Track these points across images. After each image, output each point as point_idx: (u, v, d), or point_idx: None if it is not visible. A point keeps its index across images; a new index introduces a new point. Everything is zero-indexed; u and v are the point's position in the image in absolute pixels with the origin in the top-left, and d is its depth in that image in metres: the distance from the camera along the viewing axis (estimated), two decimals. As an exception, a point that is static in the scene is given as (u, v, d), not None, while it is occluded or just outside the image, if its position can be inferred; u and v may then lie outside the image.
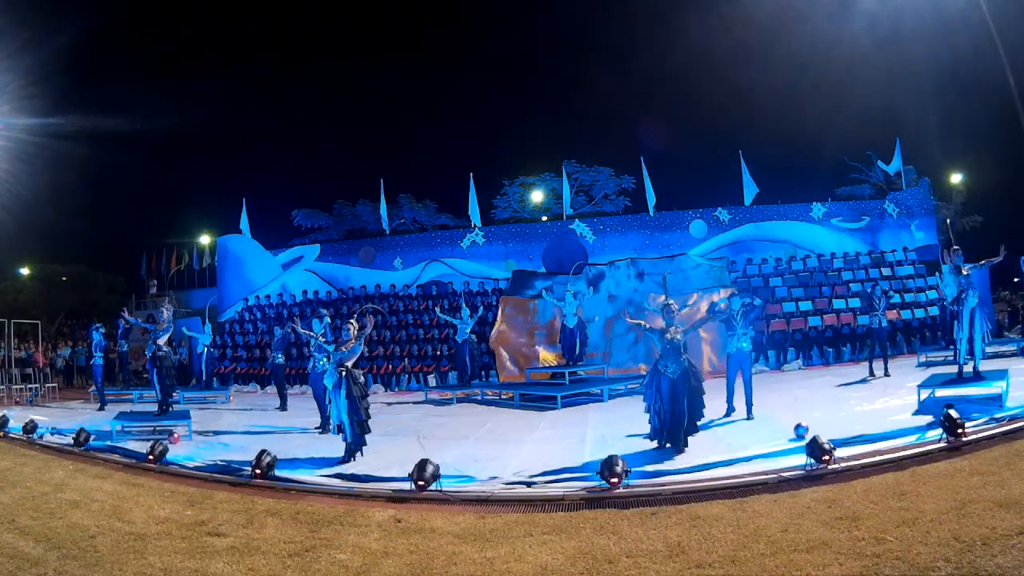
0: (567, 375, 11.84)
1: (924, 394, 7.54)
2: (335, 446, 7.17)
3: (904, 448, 5.51)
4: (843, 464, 5.12)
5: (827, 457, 5.05)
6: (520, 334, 14.54)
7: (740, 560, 3.58)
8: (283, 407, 11.78)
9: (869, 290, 12.14)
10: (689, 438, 6.48)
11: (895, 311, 14.62)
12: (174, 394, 10.66)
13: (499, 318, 14.77)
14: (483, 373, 14.33)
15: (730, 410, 8.20)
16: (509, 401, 11.76)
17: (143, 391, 13.29)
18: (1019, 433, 5.62)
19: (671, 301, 7.03)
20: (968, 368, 7.82)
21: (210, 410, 12.25)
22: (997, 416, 6.20)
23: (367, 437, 7.03)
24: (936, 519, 3.81)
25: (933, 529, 3.67)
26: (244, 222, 21.34)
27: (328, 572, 3.87)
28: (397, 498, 5.39)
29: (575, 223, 20.14)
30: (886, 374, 10.70)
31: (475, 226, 20.71)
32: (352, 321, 7.16)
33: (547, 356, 13.82)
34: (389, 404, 12.30)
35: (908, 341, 14.68)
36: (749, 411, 8.00)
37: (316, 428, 9.09)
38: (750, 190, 19.62)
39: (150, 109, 25.01)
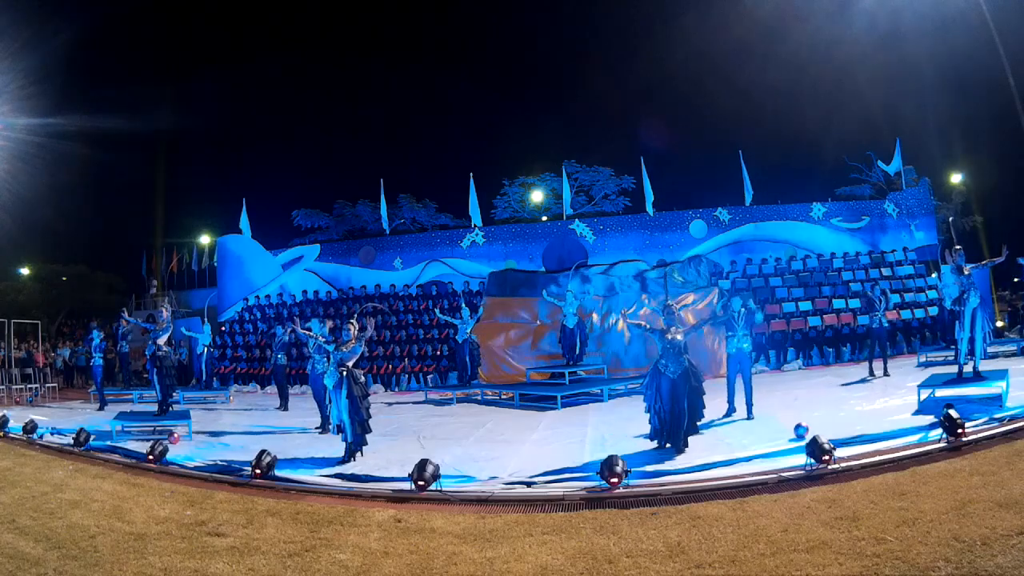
0: (567, 375, 11.84)
1: (924, 394, 7.55)
2: (335, 446, 7.17)
3: (904, 448, 5.51)
4: (843, 464, 5.12)
5: (827, 457, 5.05)
6: (498, 335, 14.48)
7: (740, 560, 3.58)
8: (284, 407, 11.80)
9: (869, 290, 12.14)
10: (689, 438, 6.49)
11: (895, 311, 14.61)
12: (174, 394, 10.67)
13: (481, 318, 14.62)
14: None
15: (731, 410, 8.21)
16: (509, 401, 11.76)
17: (143, 391, 13.31)
18: (1019, 433, 5.62)
19: (671, 302, 7.05)
20: (968, 368, 7.83)
21: (210, 410, 12.24)
22: (997, 416, 6.20)
23: (367, 437, 7.04)
24: (936, 519, 3.81)
25: (933, 529, 3.67)
26: (244, 222, 21.34)
27: (328, 572, 3.87)
28: (397, 498, 5.39)
29: (575, 223, 20.13)
30: (885, 374, 10.71)
31: (475, 226, 20.70)
32: (352, 321, 7.17)
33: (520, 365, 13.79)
34: (389, 404, 12.30)
35: (908, 341, 14.68)
36: (749, 411, 8.02)
37: (316, 428, 9.09)
38: (750, 191, 19.63)
39: (150, 109, 25.01)
